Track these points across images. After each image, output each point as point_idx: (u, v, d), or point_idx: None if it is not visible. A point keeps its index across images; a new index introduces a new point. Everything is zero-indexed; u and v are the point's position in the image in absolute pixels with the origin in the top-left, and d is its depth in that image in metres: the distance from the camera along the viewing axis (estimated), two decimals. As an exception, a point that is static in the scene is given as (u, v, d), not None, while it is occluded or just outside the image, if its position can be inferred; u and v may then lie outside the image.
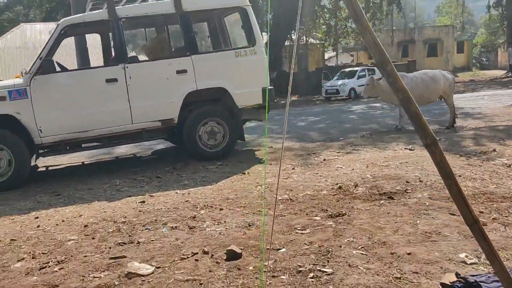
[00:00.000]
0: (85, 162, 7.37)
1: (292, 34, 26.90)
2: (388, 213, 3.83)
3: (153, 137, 6.52)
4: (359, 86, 23.04)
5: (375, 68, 25.03)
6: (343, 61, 41.76)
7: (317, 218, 3.82)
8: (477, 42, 53.05)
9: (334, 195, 4.49)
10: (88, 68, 6.33)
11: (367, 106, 13.55)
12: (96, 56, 14.76)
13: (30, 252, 3.41)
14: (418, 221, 3.60)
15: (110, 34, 6.81)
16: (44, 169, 7.09)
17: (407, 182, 4.76)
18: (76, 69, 6.20)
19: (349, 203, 4.20)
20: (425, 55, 40.18)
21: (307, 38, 30.63)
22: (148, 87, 6.14)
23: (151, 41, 7.12)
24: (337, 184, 4.83)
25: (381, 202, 4.15)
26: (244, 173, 5.64)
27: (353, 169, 5.51)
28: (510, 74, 25.54)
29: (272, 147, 7.51)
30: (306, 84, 26.67)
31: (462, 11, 34.18)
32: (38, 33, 26.78)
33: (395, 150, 6.61)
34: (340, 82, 23.03)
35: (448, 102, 8.38)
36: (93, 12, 6.31)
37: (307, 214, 3.94)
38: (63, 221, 4.15)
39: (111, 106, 6.01)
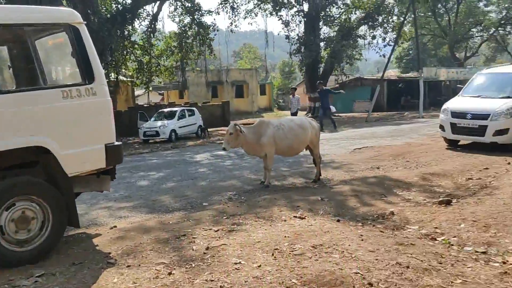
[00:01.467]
0: None
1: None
2: None
3: None
4: (180, 127, 21.77)
5: (195, 109, 24.14)
6: (152, 99, 40.20)
7: None
8: (274, 86, 58.16)
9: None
10: None
11: (211, 154, 11.97)
12: None
13: None
14: None
15: None
16: None
17: (356, 288, 3.28)
18: None
19: None
20: (233, 96, 41.76)
21: (117, 75, 27.94)
22: None
23: None
24: (261, 306, 3.06)
25: None
26: (94, 295, 3.37)
27: (259, 265, 3.79)
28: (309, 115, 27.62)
29: (116, 226, 5.25)
30: (117, 124, 23.98)
31: (265, 57, 36.57)
32: None
33: (285, 221, 5.16)
34: (159, 123, 21.24)
35: (314, 152, 7.46)
36: None
37: None
38: None
39: None
